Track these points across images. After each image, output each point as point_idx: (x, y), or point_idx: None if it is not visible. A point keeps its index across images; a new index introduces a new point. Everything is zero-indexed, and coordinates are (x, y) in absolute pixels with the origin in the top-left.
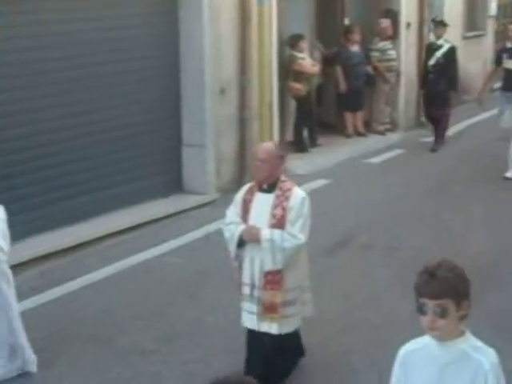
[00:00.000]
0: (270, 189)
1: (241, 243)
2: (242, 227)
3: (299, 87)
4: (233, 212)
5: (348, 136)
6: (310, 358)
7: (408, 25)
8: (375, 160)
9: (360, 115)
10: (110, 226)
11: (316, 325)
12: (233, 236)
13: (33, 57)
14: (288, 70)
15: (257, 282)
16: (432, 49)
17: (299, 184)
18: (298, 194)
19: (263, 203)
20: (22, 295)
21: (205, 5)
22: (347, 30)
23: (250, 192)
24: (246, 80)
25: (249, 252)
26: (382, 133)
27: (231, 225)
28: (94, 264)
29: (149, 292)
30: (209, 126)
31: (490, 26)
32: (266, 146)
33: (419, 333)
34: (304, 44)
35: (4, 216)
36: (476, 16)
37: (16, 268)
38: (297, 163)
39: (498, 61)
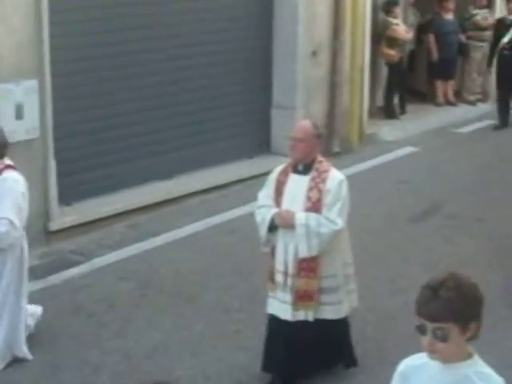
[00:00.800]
0: (306, 170)
1: (272, 228)
2: (274, 211)
3: (392, 53)
4: (265, 194)
5: (438, 104)
6: (391, 324)
7: None
8: (464, 130)
9: (451, 84)
10: (196, 185)
11: (398, 292)
12: (264, 220)
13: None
14: (381, 36)
15: (290, 270)
16: (505, 25)
17: (387, 151)
18: (335, 176)
19: (298, 185)
20: (108, 248)
21: None
22: None
23: (285, 173)
24: (339, 43)
25: (282, 238)
26: (472, 103)
27: (263, 208)
28: (179, 221)
29: (232, 251)
30: (299, 88)
31: None
32: (303, 125)
33: (500, 307)
34: (398, 10)
35: (24, 189)
36: None
37: (104, 221)
38: (386, 130)
39: None
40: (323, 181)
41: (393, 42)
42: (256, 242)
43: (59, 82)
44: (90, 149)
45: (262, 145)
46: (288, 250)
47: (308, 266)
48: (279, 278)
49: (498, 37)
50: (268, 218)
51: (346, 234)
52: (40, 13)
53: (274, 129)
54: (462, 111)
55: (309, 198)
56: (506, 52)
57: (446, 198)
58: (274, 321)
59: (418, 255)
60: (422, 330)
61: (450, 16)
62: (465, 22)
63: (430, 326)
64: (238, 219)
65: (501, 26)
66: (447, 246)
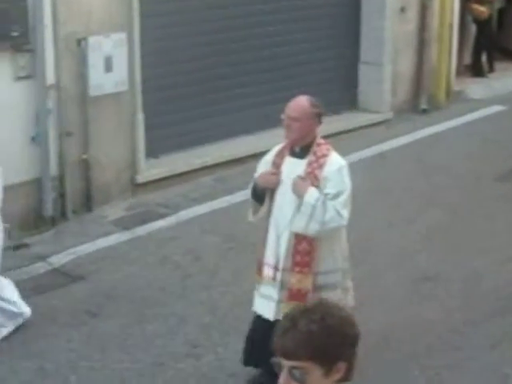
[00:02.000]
0: (303, 153)
1: (258, 195)
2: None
3: (482, 10)
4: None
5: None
6: (478, 283)
7: None
8: None
9: None
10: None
11: (484, 251)
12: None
13: None
14: None
15: (282, 264)
16: None
17: (474, 109)
18: (334, 161)
19: (294, 169)
20: (195, 201)
21: None
22: None
23: (281, 155)
24: (428, 0)
25: (274, 228)
26: None
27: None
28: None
29: None
30: (387, 45)
31: None
32: (299, 102)
33: None
34: None
35: None
36: None
37: (191, 174)
38: (473, 88)
39: None
40: (320, 166)
41: None
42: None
43: (148, 35)
44: (178, 103)
45: (349, 101)
46: (280, 243)
47: (302, 260)
48: (268, 271)
49: None
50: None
51: (344, 227)
52: None
53: (362, 85)
54: None
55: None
56: None
57: None
58: (258, 319)
59: (504, 214)
60: (277, 366)
61: None
62: None
63: (285, 363)
64: None
65: None
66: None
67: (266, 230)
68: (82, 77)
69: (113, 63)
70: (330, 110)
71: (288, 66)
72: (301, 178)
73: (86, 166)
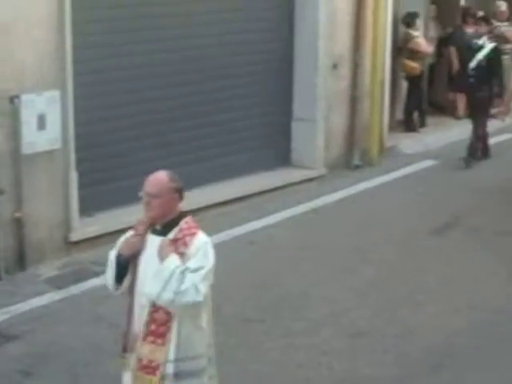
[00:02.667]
0: (165, 230)
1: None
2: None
3: (415, 66)
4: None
5: (458, 118)
6: (413, 338)
7: None
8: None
9: None
10: (216, 196)
11: (417, 304)
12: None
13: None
14: (402, 49)
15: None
16: (472, 49)
17: (407, 164)
18: (199, 239)
19: (156, 248)
20: None
21: None
22: (466, 12)
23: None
24: (359, 57)
25: (139, 296)
26: (494, 116)
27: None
28: None
29: (253, 263)
30: (320, 101)
31: None
32: (158, 177)
33: None
34: (419, 22)
35: None
36: None
37: (125, 232)
38: (406, 143)
39: None
40: (185, 245)
41: (414, 54)
42: (275, 254)
43: (81, 92)
44: (112, 160)
45: (282, 157)
46: (142, 315)
47: (157, 330)
48: (131, 342)
49: (465, 62)
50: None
51: (209, 309)
52: (63, 24)
53: (295, 141)
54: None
55: None
56: (471, 80)
57: (467, 211)
58: None
59: (438, 268)
60: None
61: (471, 30)
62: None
63: None
64: (258, 231)
65: (468, 51)
66: (468, 259)
67: (130, 302)
68: (14, 134)
69: (46, 121)
70: (264, 166)
71: (222, 122)
72: (170, 241)
73: (18, 224)
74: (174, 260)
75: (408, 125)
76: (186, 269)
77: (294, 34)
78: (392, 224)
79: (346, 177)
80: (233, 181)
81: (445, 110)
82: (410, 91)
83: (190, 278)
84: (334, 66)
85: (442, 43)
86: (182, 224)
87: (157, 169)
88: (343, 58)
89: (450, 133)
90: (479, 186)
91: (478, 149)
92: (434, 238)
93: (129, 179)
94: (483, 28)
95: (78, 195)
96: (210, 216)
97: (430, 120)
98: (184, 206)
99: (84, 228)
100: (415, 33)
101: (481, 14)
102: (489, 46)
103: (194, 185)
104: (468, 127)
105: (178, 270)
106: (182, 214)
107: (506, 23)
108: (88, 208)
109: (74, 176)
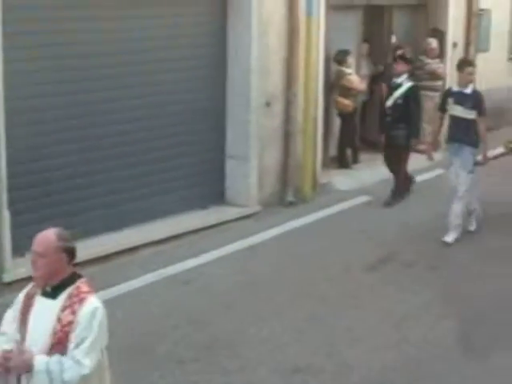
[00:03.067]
0: (55, 293)
1: None
2: (6, 346)
3: (346, 103)
4: (11, 316)
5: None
6: (350, 374)
7: (454, 45)
8: (417, 178)
9: None
10: (151, 235)
11: (355, 340)
12: None
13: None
14: (334, 86)
15: None
16: (391, 88)
17: (341, 200)
18: (90, 303)
19: (45, 312)
20: None
21: (253, 18)
22: (397, 49)
23: (31, 294)
24: (292, 94)
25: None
26: (423, 152)
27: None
28: (134, 272)
29: (188, 302)
30: (253, 139)
31: None
32: (45, 236)
33: (457, 353)
34: (351, 60)
35: None
36: None
37: None
38: (339, 179)
39: (443, 106)
40: (73, 313)
41: (347, 91)
42: (211, 292)
43: (15, 132)
44: (44, 199)
45: (216, 195)
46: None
47: None
48: None
49: (384, 99)
50: None
51: (106, 373)
52: None
53: (229, 179)
54: (413, 160)
55: (55, 332)
56: (388, 119)
57: (401, 246)
58: None
59: (373, 303)
60: None
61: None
62: (417, 72)
63: None
64: (193, 270)
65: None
66: (403, 294)
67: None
68: None
69: None
70: (198, 204)
71: (155, 161)
72: (19, 349)
73: None
74: (40, 360)
75: (341, 161)
76: (69, 346)
77: (227, 72)
78: (327, 260)
79: (281, 214)
80: (167, 219)
81: (377, 146)
82: (343, 128)
83: (71, 359)
84: (267, 104)
85: (373, 81)
86: (73, 289)
87: (90, 208)
88: (276, 96)
89: (382, 169)
90: (411, 222)
91: (402, 187)
92: (369, 273)
93: (60, 219)
94: (401, 66)
95: (11, 235)
96: (145, 255)
97: (362, 156)
98: (118, 245)
99: (17, 269)
100: (347, 70)
101: (399, 52)
102: (406, 85)
103: (129, 224)
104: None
105: (51, 366)
106: (74, 276)
107: (436, 60)
108: (21, 248)
109: (6, 215)
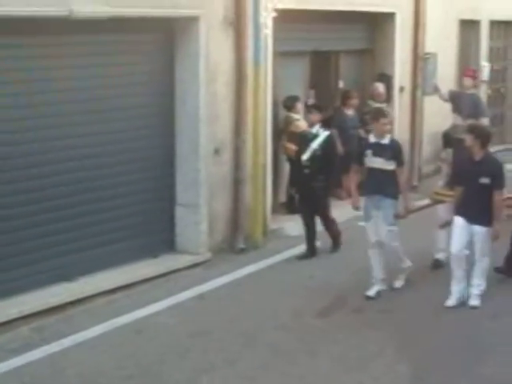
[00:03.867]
0: None
1: None
2: None
3: (295, 148)
4: None
5: (341, 198)
6: None
7: (401, 89)
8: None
9: None
10: (101, 285)
11: None
12: None
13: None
14: (283, 131)
15: None
16: (306, 139)
17: (292, 246)
18: None
19: None
20: (12, 352)
21: (201, 66)
22: (345, 95)
23: None
24: (241, 141)
25: None
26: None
27: None
28: (85, 322)
29: (140, 352)
30: (202, 186)
31: (483, 91)
32: None
33: None
34: (300, 105)
35: None
36: None
37: (6, 325)
38: (290, 225)
39: (360, 158)
40: None
41: (295, 137)
42: (162, 342)
43: None
44: None
45: (166, 243)
46: None
47: None
48: None
49: (299, 153)
50: None
51: None
52: None
53: (179, 227)
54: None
55: None
56: (306, 171)
57: (350, 291)
58: None
59: (326, 350)
60: None
61: (350, 111)
62: (365, 116)
63: None
64: (144, 319)
65: (302, 140)
66: (354, 339)
67: None
68: None
69: None
70: (149, 253)
71: (104, 210)
72: None
73: None
74: None
75: (291, 207)
76: None
77: (176, 120)
78: (278, 307)
79: (231, 261)
80: (118, 269)
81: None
82: (293, 173)
83: None
84: (216, 151)
85: (322, 126)
86: None
87: (41, 258)
88: (225, 143)
89: (333, 214)
90: (359, 267)
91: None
92: (320, 319)
93: (10, 271)
94: (315, 116)
95: None
96: (97, 305)
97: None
98: (70, 296)
99: None
100: (296, 116)
101: (311, 101)
102: (323, 135)
103: (79, 274)
104: (351, 208)
105: None
106: None
107: (384, 104)
108: None
109: None
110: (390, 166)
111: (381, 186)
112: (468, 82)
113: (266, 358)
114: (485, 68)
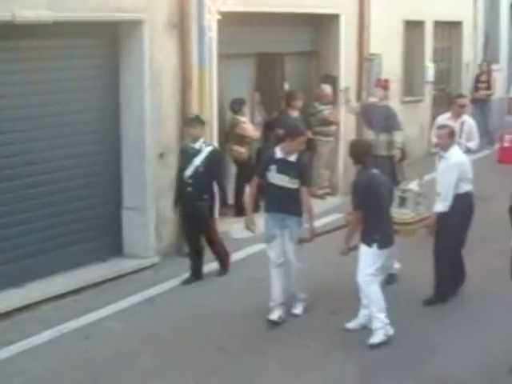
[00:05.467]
0: None
1: None
2: None
3: (241, 151)
4: None
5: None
6: None
7: (346, 90)
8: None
9: None
10: (49, 290)
11: None
12: None
13: None
14: (229, 134)
15: None
16: (188, 154)
17: (238, 248)
18: None
19: None
20: None
21: (146, 69)
22: (290, 97)
23: None
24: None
25: None
26: (321, 197)
27: None
28: (33, 328)
29: (89, 357)
30: (149, 190)
31: (428, 92)
32: None
33: None
34: (246, 108)
35: None
36: (414, 81)
37: None
38: (236, 227)
39: (262, 172)
40: None
41: (241, 139)
42: (111, 347)
43: None
44: None
45: (114, 247)
46: None
47: None
48: None
49: (181, 170)
50: None
51: None
52: None
53: (126, 231)
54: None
55: None
56: (189, 189)
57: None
58: None
59: (274, 351)
60: None
61: (295, 113)
62: (310, 118)
63: None
64: (93, 324)
65: (183, 156)
66: (303, 340)
67: None
68: None
69: None
70: (96, 257)
71: (51, 215)
72: None
73: None
74: None
75: (238, 209)
76: None
77: (121, 124)
78: (226, 309)
79: (179, 264)
80: (67, 274)
81: None
82: (239, 176)
83: None
84: (161, 155)
85: (267, 127)
86: None
87: None
88: (170, 146)
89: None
90: (309, 270)
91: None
92: (268, 321)
93: None
94: (197, 130)
95: None
96: (45, 310)
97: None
98: (17, 302)
99: None
100: (242, 118)
101: (194, 115)
102: (206, 150)
103: (27, 280)
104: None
105: None
106: None
107: (329, 106)
108: None
109: None
110: (294, 184)
111: (284, 204)
112: (380, 92)
113: (215, 360)
114: (429, 68)
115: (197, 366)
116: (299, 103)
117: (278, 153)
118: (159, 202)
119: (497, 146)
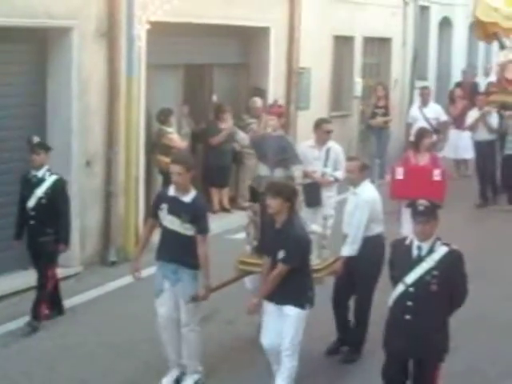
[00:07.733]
0: None
1: None
2: None
3: (167, 161)
4: None
5: (214, 212)
6: None
7: (275, 102)
8: (239, 236)
9: (226, 191)
10: None
11: None
12: None
13: None
14: (156, 144)
15: None
16: (30, 183)
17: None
18: None
19: None
20: None
21: (73, 77)
22: (219, 109)
23: None
24: (114, 153)
25: None
26: (246, 209)
27: None
28: None
29: (9, 366)
30: (74, 199)
31: (355, 107)
32: None
33: None
34: (173, 119)
35: None
36: (342, 96)
37: None
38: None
39: (154, 212)
40: None
41: (168, 150)
42: (32, 357)
43: None
44: None
45: None
46: None
47: None
48: None
49: (22, 197)
50: None
51: None
52: None
53: None
54: (236, 217)
55: None
56: (32, 222)
57: (222, 303)
58: None
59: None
60: None
61: (223, 125)
62: (239, 131)
63: None
64: (13, 333)
65: (25, 185)
66: (226, 351)
67: None
68: None
69: None
70: (19, 265)
71: None
72: None
73: None
74: None
75: None
76: None
77: (47, 131)
78: (148, 320)
79: (102, 274)
80: None
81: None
82: (165, 186)
83: None
84: (87, 164)
85: (194, 138)
86: None
87: None
88: (97, 155)
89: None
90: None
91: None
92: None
93: None
94: (40, 157)
95: None
96: None
97: None
98: None
99: None
100: (169, 129)
101: (36, 139)
102: (50, 179)
103: None
104: (222, 220)
105: None
106: None
107: (257, 118)
108: None
109: None
110: (187, 230)
111: (176, 252)
112: (273, 121)
113: (136, 372)
114: (357, 84)
115: (117, 378)
116: (228, 116)
117: (172, 190)
118: (84, 211)
119: (388, 178)
